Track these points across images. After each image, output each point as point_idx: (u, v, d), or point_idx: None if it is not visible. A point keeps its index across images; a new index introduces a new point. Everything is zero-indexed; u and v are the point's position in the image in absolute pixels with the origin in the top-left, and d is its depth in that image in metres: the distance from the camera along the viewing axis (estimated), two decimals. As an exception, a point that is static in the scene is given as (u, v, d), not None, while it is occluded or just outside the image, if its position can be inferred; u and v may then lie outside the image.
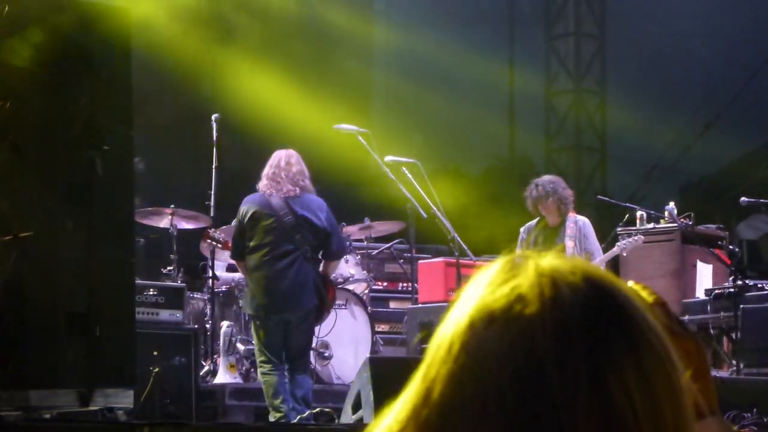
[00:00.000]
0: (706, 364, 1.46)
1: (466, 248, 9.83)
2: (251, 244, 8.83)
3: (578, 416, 1.09)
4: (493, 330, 1.13)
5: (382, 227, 11.67)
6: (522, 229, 10.00)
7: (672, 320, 1.43)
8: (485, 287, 1.18)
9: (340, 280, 10.34)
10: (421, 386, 1.18)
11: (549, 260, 1.18)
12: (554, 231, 9.83)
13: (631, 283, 1.41)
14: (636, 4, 18.74)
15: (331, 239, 8.92)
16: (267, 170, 8.97)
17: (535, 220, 9.90)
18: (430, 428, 1.15)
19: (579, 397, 1.10)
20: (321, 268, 9.01)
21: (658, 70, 18.22)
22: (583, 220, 9.90)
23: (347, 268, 10.61)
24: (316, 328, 9.62)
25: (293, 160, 8.96)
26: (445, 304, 10.47)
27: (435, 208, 9.75)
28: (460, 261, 9.91)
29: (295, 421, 8.58)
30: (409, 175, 9.84)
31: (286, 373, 8.93)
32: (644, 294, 1.42)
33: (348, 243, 10.74)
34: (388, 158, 9.86)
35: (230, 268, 10.95)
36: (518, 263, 1.18)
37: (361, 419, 7.22)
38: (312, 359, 9.85)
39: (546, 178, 9.97)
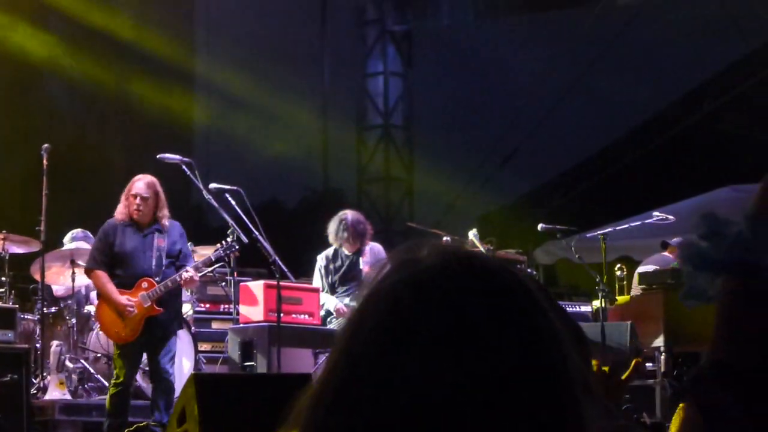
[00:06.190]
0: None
1: (286, 271, 9.97)
2: None
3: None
4: (432, 296, 1.19)
5: (205, 251, 11.42)
6: (320, 257, 10.62)
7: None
8: (395, 268, 1.23)
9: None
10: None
11: (437, 243, 1.27)
12: (352, 258, 10.58)
13: None
14: (440, 46, 19.53)
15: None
16: None
17: (332, 249, 10.59)
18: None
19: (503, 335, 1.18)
20: None
21: (460, 106, 18.84)
22: (377, 247, 10.71)
23: (172, 290, 10.73)
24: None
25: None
26: (265, 324, 10.73)
27: (257, 233, 9.86)
28: (281, 283, 10.00)
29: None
30: (232, 202, 10.02)
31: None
32: None
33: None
34: (212, 186, 10.00)
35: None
36: (415, 246, 1.25)
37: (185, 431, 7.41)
38: (138, 377, 10.04)
39: (348, 213, 10.61)
